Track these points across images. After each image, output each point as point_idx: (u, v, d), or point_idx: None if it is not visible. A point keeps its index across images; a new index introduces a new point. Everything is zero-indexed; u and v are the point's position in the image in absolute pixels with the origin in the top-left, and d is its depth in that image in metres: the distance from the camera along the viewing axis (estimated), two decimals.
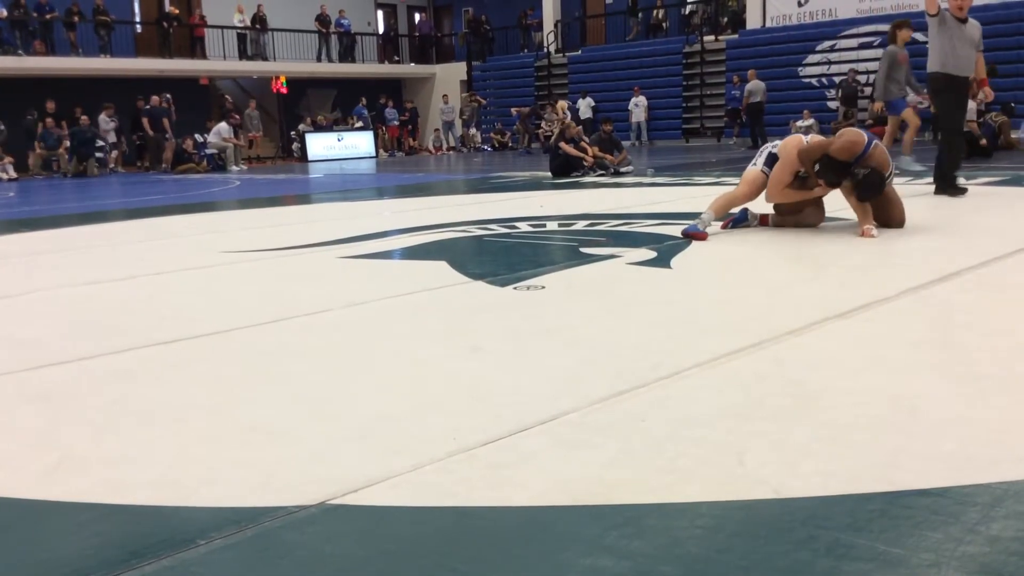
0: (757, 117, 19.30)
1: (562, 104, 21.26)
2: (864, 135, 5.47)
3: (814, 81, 20.50)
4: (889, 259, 4.78)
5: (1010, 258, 4.47)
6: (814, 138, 5.86)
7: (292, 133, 24.79)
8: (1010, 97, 16.30)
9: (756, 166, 5.88)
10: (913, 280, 3.99)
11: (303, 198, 12.30)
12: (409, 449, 2.18)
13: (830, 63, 20.21)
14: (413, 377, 2.84)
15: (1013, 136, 14.57)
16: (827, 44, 20.29)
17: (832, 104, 19.90)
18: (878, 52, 19.23)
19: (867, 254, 4.91)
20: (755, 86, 19.40)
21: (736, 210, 6.02)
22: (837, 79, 19.81)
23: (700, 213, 5.77)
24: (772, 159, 5.81)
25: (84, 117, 19.67)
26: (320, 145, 23.79)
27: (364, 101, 25.10)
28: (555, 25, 25.82)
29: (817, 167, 5.44)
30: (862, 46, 19.74)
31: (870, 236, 5.25)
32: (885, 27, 19.18)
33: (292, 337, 3.49)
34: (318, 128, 24.60)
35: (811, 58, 20.53)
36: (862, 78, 19.23)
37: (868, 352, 2.91)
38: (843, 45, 20.05)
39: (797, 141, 5.77)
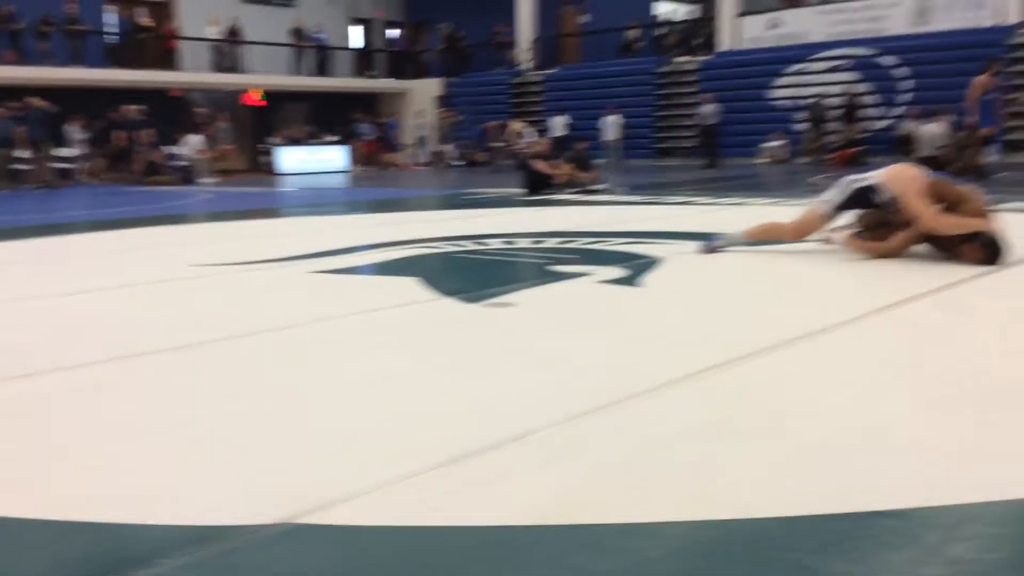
0: (712, 138, 19.93)
1: (516, 125, 21.34)
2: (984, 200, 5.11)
3: (783, 103, 20.74)
4: (858, 280, 4.83)
5: (973, 281, 4.53)
6: (927, 182, 5.15)
7: (264, 146, 24.67)
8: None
9: (821, 203, 5.46)
10: (879, 301, 4.03)
11: (273, 212, 12.24)
12: (378, 467, 2.16)
13: (799, 86, 20.47)
14: (383, 393, 2.83)
15: (981, 159, 14.79)
16: (797, 67, 20.56)
17: (799, 126, 20.14)
18: (847, 75, 19.63)
19: (837, 276, 4.96)
20: (709, 109, 20.03)
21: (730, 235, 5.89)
22: (805, 102, 20.05)
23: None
24: (861, 198, 5.31)
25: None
26: (292, 158, 23.67)
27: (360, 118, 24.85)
28: (530, 43, 25.96)
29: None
30: (831, 69, 20.02)
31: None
32: (855, 50, 19.63)
33: (260, 352, 3.46)
34: (290, 141, 24.50)
35: (781, 80, 20.78)
36: (831, 101, 19.49)
37: (836, 372, 2.93)
38: (813, 68, 20.32)
39: (912, 174, 5.25)
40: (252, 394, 2.86)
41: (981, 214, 5.04)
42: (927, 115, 16.92)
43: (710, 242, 5.80)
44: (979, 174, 12.35)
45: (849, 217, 5.55)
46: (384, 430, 2.45)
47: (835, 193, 5.46)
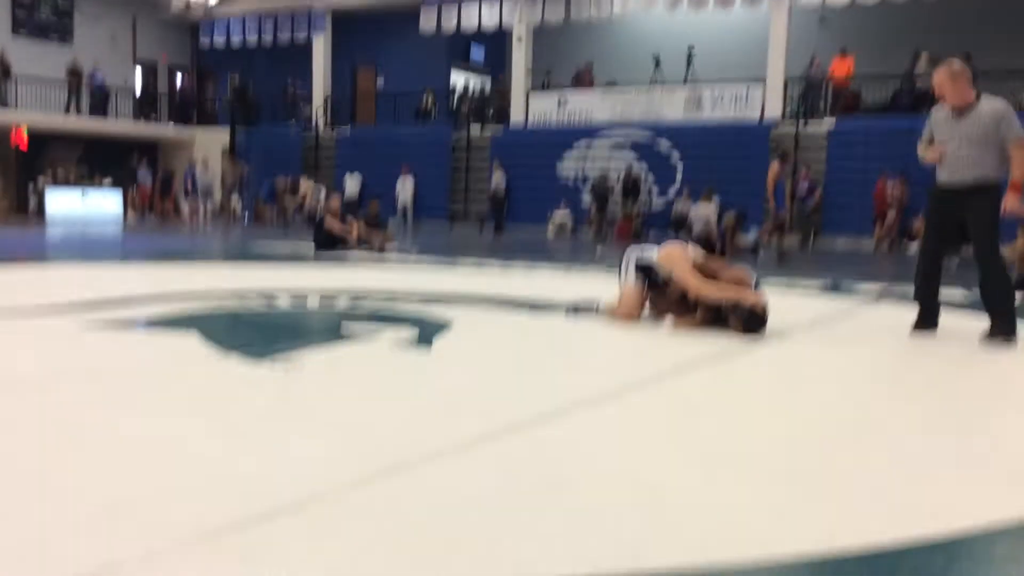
0: (499, 206, 21.07)
1: (307, 184, 21.16)
2: (750, 277, 5.61)
3: (570, 178, 21.75)
4: (640, 348, 5.06)
5: (741, 353, 4.86)
6: (696, 256, 5.69)
7: (31, 188, 22.89)
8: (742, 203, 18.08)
9: (629, 280, 5.75)
10: (657, 369, 4.24)
11: (39, 256, 11.30)
12: (144, 537, 2.00)
13: (585, 162, 21.58)
14: (153, 458, 2.63)
15: (742, 240, 16.07)
16: (583, 143, 21.66)
17: (586, 200, 21.16)
18: (628, 155, 20.90)
19: (623, 344, 5.18)
20: (499, 178, 21.24)
21: (582, 299, 6.14)
22: (592, 178, 21.13)
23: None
24: (644, 271, 5.69)
25: None
26: (62, 202, 22.12)
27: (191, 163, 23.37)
28: (324, 101, 25.82)
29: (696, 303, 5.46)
30: (614, 148, 21.25)
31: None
32: (635, 132, 20.96)
33: (17, 414, 3.14)
34: (60, 184, 22.89)
35: (568, 155, 21.80)
36: (613, 178, 20.64)
37: (615, 436, 3.04)
38: (597, 146, 21.49)
39: (682, 248, 5.74)
40: (5, 460, 2.58)
41: (743, 285, 5.52)
42: (698, 196, 18.30)
43: (571, 308, 6.04)
44: (782, 255, 13.33)
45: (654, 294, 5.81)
46: (154, 497, 2.28)
47: (631, 267, 5.76)
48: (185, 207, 23.84)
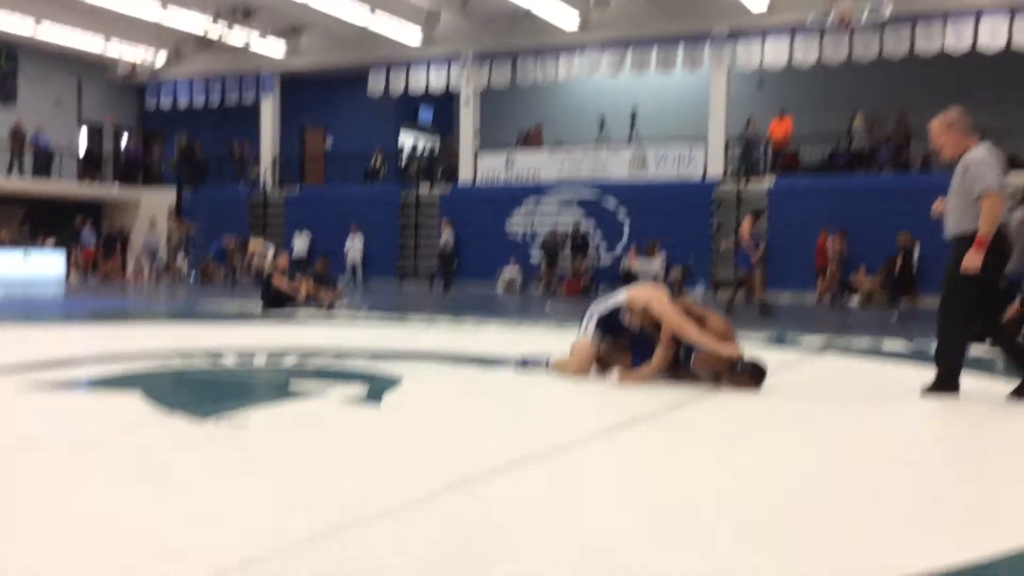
0: (448, 263, 21.24)
1: (256, 243, 21.02)
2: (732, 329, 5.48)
3: (519, 235, 21.93)
4: (588, 403, 5.07)
5: (689, 405, 4.90)
6: (670, 304, 5.48)
7: None
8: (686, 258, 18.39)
9: (586, 336, 5.68)
10: (606, 422, 4.25)
11: None
12: None
13: (533, 220, 21.80)
14: (89, 529, 2.55)
15: (688, 295, 16.30)
16: (531, 201, 21.90)
17: (536, 256, 21.33)
18: (576, 213, 21.17)
19: (571, 398, 5.19)
20: (446, 236, 21.46)
21: (531, 354, 6.13)
22: (541, 235, 21.34)
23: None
24: (606, 322, 5.60)
25: None
26: (2, 263, 21.67)
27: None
28: (273, 161, 25.80)
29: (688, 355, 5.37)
30: (562, 206, 21.51)
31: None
32: (582, 191, 21.27)
33: None
34: (1, 245, 22.44)
35: (517, 213, 22.01)
36: (562, 234, 20.86)
37: (565, 493, 3.02)
38: (545, 204, 21.74)
39: (655, 289, 5.68)
40: None
41: (727, 337, 5.42)
42: (645, 252, 18.58)
43: (521, 362, 6.07)
44: (765, 310, 13.04)
45: (607, 344, 5.71)
46: (88, 571, 2.20)
47: (592, 323, 5.70)
48: (130, 267, 23.47)
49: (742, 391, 5.24)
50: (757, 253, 13.63)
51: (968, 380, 5.36)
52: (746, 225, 13.82)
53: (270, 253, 19.82)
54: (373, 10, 21.26)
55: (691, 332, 5.32)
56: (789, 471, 3.43)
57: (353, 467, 3.30)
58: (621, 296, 5.67)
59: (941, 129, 5.16)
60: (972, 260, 4.95)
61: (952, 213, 5.17)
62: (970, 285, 5.03)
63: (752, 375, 5.32)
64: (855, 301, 17.47)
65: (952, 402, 5.12)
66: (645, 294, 5.58)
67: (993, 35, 17.94)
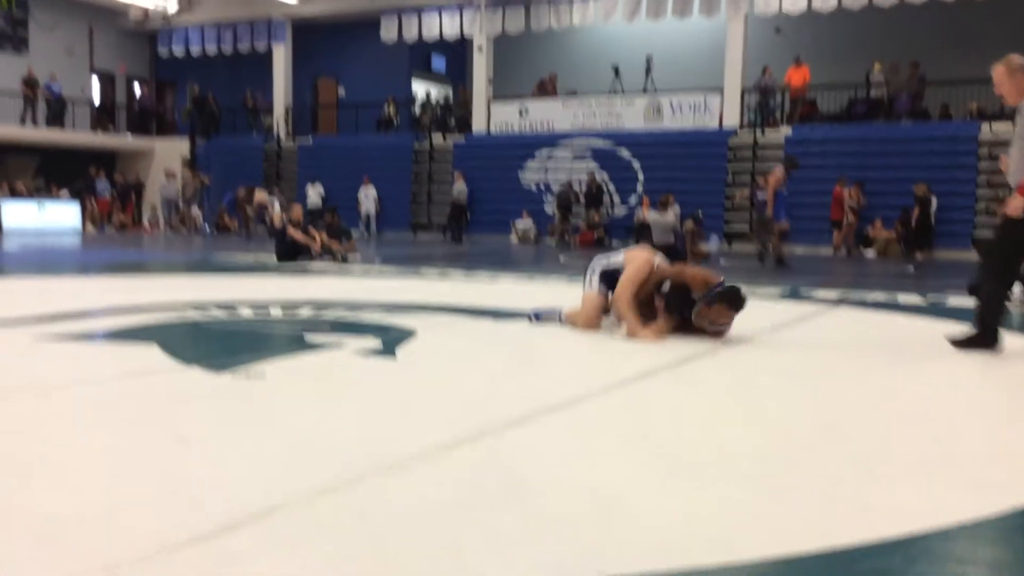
0: (459, 215, 21.20)
1: (261, 196, 21.01)
2: (716, 276, 5.49)
3: (533, 186, 21.83)
4: (601, 356, 5.09)
5: (701, 358, 4.91)
6: (664, 264, 5.71)
7: None
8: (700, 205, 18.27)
9: (592, 288, 5.76)
10: (616, 376, 4.27)
11: None
12: (102, 552, 1.97)
13: (547, 170, 21.67)
14: (107, 472, 2.60)
15: (703, 247, 16.20)
16: (545, 152, 21.75)
17: (549, 209, 21.25)
18: (590, 163, 21.02)
19: (584, 351, 5.21)
20: (458, 188, 21.32)
21: (544, 307, 6.14)
22: (555, 186, 21.23)
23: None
24: (608, 277, 5.69)
25: None
26: (18, 215, 21.76)
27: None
28: (285, 111, 25.67)
29: (666, 291, 5.43)
30: (575, 157, 21.36)
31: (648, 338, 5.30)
32: (596, 141, 21.10)
33: None
34: (16, 196, 22.52)
35: (530, 164, 21.88)
36: (576, 187, 20.74)
37: (576, 443, 3.05)
38: (559, 155, 21.59)
39: (649, 253, 5.70)
40: None
41: (707, 282, 5.43)
42: (659, 205, 18.44)
43: (533, 314, 6.06)
44: (781, 262, 12.82)
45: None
46: (108, 512, 2.24)
47: (594, 277, 5.78)
48: (145, 218, 23.56)
49: (722, 324, 5.28)
50: (769, 205, 13.36)
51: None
52: (779, 174, 13.32)
53: (276, 205, 19.86)
54: None
55: (623, 306, 5.44)
56: (800, 422, 3.45)
57: (368, 419, 3.34)
58: (620, 258, 5.77)
59: (1004, 75, 4.97)
60: (1014, 203, 4.79)
61: (1014, 161, 4.96)
62: (1013, 234, 4.85)
63: (724, 298, 5.27)
64: (871, 253, 17.36)
65: (983, 358, 5.02)
66: (634, 259, 5.62)
67: None
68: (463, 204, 21.33)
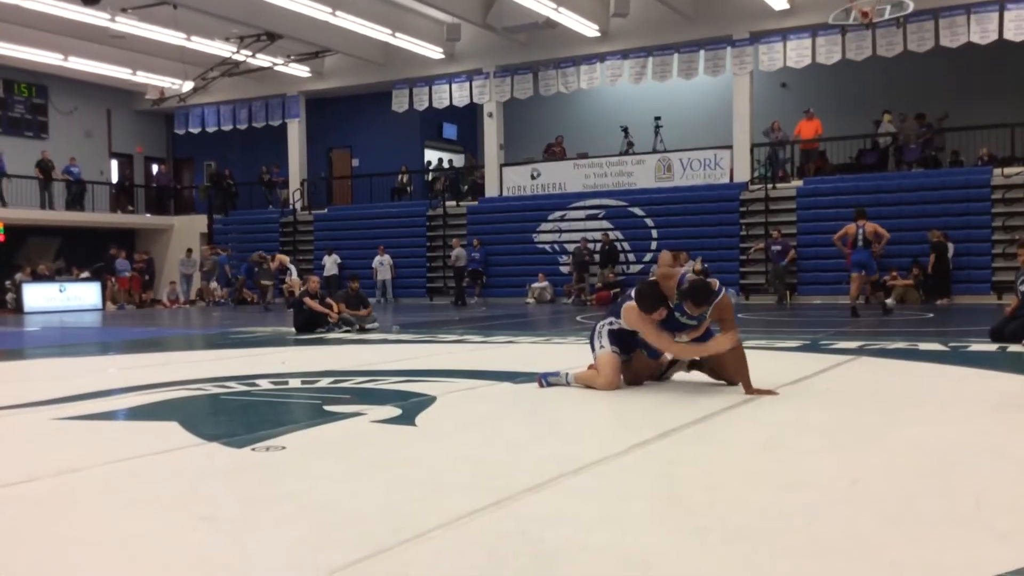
0: (459, 278, 21.63)
1: (282, 258, 21.24)
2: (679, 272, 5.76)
3: (547, 247, 21.94)
4: (617, 416, 5.06)
5: (723, 414, 4.87)
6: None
7: (7, 283, 22.78)
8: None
9: (604, 349, 5.78)
10: (639, 436, 4.23)
11: (15, 353, 11.18)
12: None
13: (561, 231, 21.81)
14: (131, 555, 2.58)
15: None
16: (558, 214, 21.91)
17: (565, 269, 21.32)
18: (603, 223, 21.13)
19: (606, 412, 5.17)
20: (456, 253, 21.81)
21: (551, 371, 6.11)
22: (569, 246, 21.34)
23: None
24: (616, 337, 5.78)
25: None
26: (39, 296, 22.01)
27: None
28: (301, 183, 26.04)
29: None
30: (588, 217, 21.49)
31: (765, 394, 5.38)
32: (609, 201, 21.24)
33: None
34: (38, 278, 22.82)
35: (544, 226, 22.03)
36: (591, 246, 20.83)
37: (601, 507, 3.01)
38: (572, 216, 21.73)
39: (632, 305, 5.73)
40: None
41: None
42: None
43: (543, 378, 6.02)
44: (885, 310, 13.46)
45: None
46: None
47: (604, 339, 5.80)
48: (164, 294, 23.76)
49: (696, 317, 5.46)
50: (848, 253, 13.53)
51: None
52: (852, 228, 13.47)
53: (294, 271, 20.05)
54: (394, 32, 21.49)
55: (657, 339, 5.63)
56: (827, 480, 3.39)
57: (390, 489, 3.31)
58: (619, 317, 5.79)
59: None
60: None
61: None
62: None
63: (687, 296, 5.42)
64: (891, 302, 17.26)
65: (1007, 404, 4.98)
66: (630, 315, 5.67)
67: (1019, 27, 17.66)
68: (462, 268, 21.60)
